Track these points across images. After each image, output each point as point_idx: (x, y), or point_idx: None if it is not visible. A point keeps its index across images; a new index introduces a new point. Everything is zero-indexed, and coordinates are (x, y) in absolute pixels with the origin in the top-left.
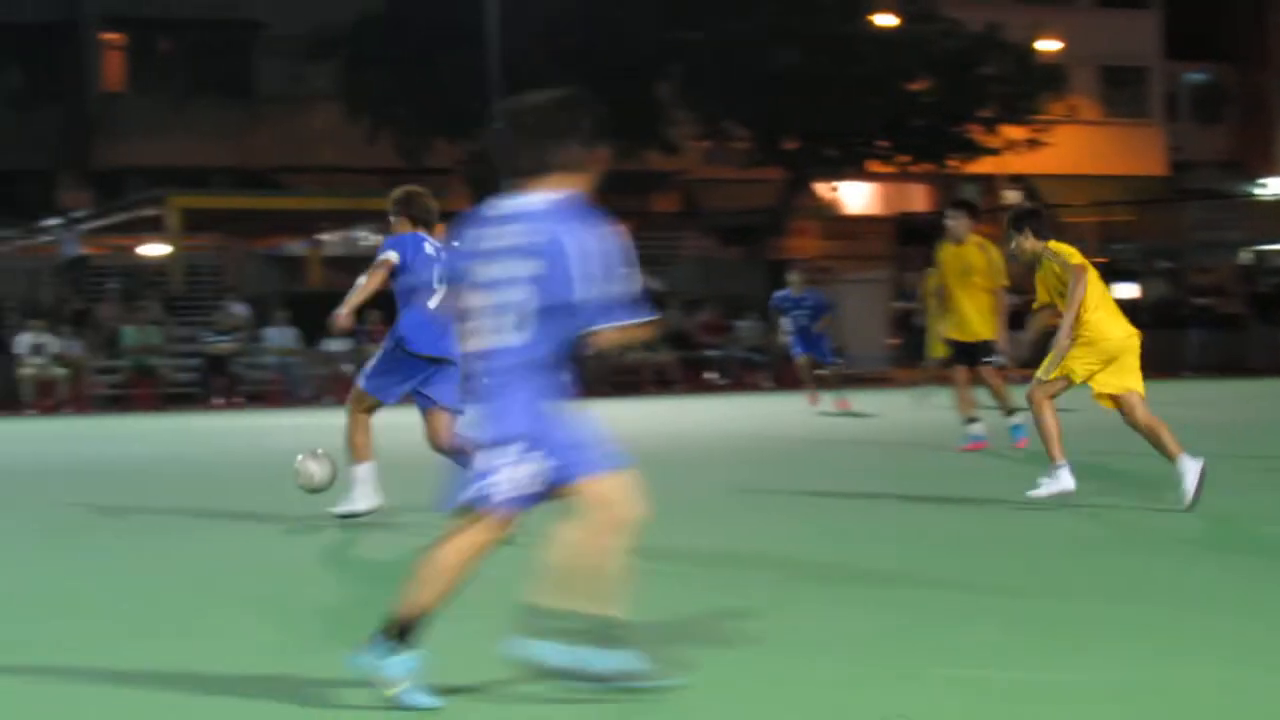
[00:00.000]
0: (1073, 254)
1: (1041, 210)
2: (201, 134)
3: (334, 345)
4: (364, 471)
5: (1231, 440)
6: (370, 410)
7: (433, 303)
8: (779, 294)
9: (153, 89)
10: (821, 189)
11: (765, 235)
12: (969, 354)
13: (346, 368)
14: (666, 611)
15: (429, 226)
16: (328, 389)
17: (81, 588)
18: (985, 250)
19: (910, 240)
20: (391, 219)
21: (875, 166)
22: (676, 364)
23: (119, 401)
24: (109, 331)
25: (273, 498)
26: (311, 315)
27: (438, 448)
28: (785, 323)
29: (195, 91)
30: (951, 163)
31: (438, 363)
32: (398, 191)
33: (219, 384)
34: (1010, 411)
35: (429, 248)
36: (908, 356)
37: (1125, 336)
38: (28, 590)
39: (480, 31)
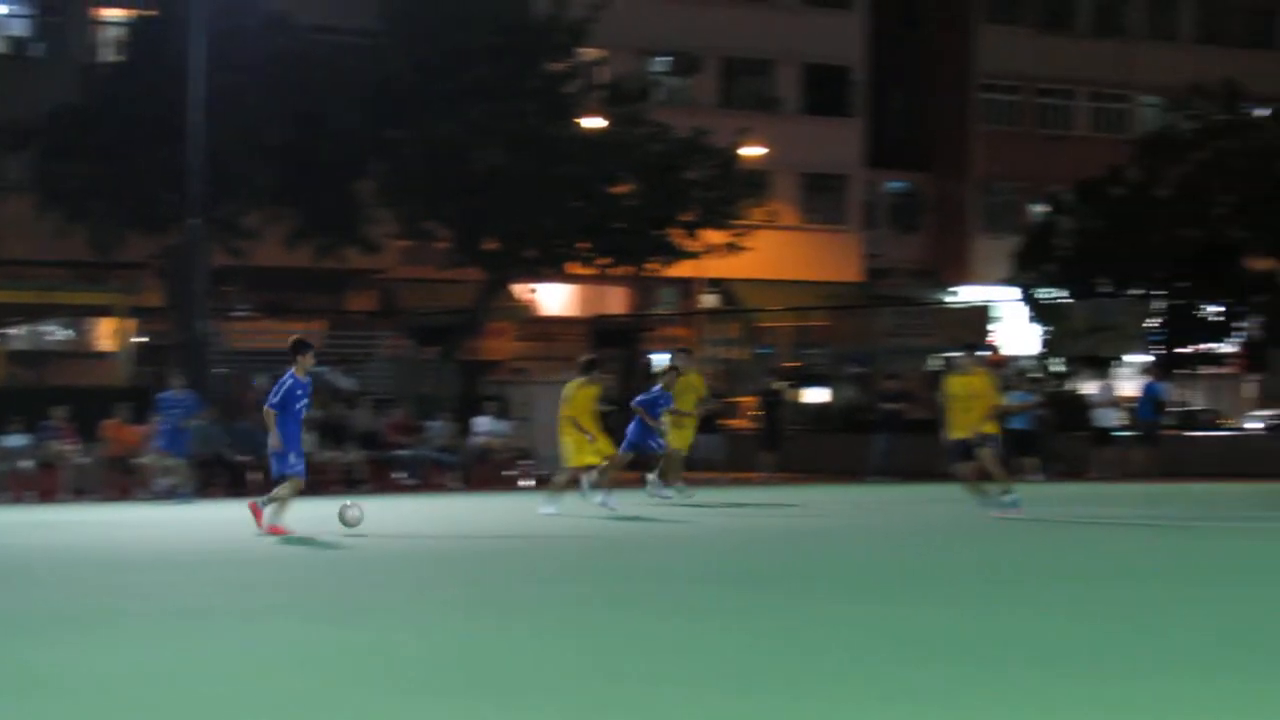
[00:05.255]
0: None
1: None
2: None
3: (12, 441)
4: None
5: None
6: None
7: None
8: (161, 394)
9: None
10: (520, 290)
11: (462, 336)
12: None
13: (24, 464)
14: None
15: None
16: (5, 485)
17: None
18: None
19: (606, 343)
20: None
21: (574, 268)
22: (365, 463)
23: None
24: None
25: None
26: None
27: None
28: (159, 420)
29: None
30: (650, 266)
31: None
32: None
33: None
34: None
35: None
36: None
37: None
38: None
39: (181, 125)
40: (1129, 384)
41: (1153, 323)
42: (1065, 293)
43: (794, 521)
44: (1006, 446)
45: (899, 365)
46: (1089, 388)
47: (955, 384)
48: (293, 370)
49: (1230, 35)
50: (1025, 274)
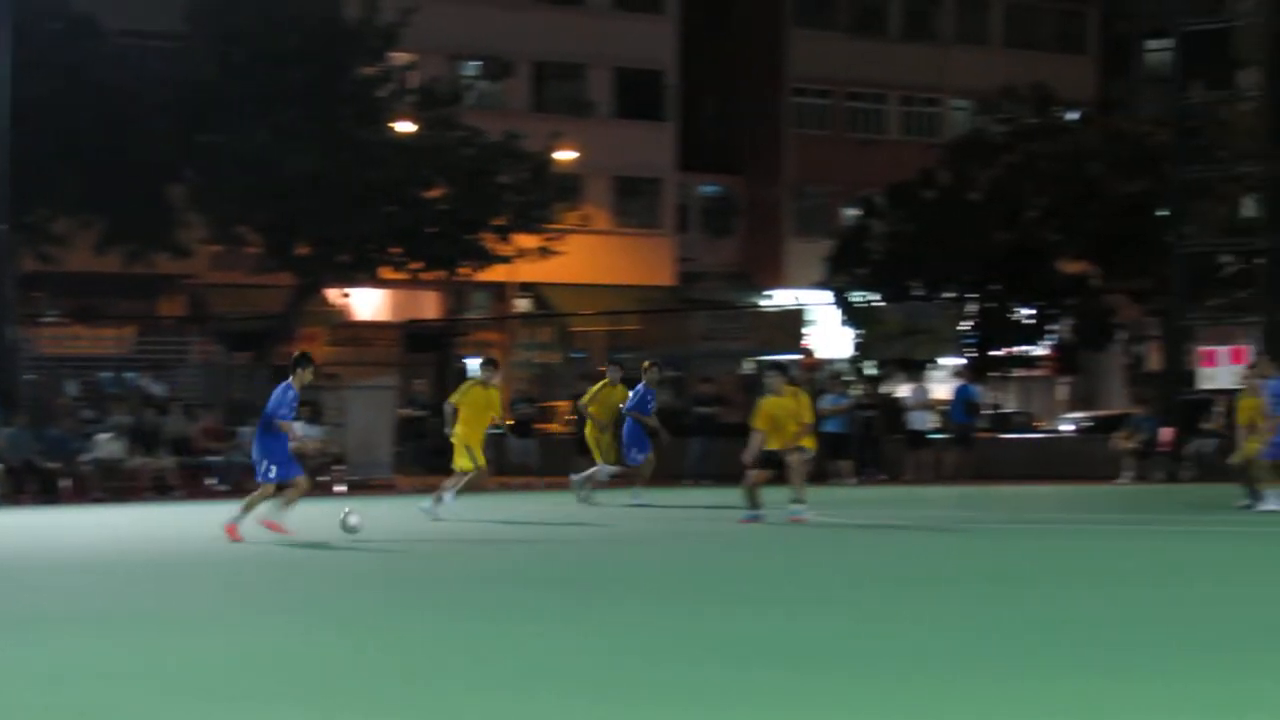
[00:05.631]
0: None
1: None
2: None
3: None
4: None
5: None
6: None
7: None
8: None
9: None
10: (332, 295)
11: (273, 341)
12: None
13: None
14: None
15: None
16: None
17: None
18: (796, 397)
19: (419, 347)
20: None
21: (387, 273)
22: (177, 469)
23: None
24: None
25: None
26: None
27: None
28: None
29: None
30: (463, 270)
31: None
32: None
33: None
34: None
35: None
36: (412, 462)
37: None
38: None
39: None
40: (942, 387)
41: (965, 325)
42: (878, 296)
43: (609, 526)
44: (820, 450)
45: (713, 369)
46: (902, 390)
47: (769, 405)
48: (290, 381)
49: (1040, 39)
50: (838, 277)
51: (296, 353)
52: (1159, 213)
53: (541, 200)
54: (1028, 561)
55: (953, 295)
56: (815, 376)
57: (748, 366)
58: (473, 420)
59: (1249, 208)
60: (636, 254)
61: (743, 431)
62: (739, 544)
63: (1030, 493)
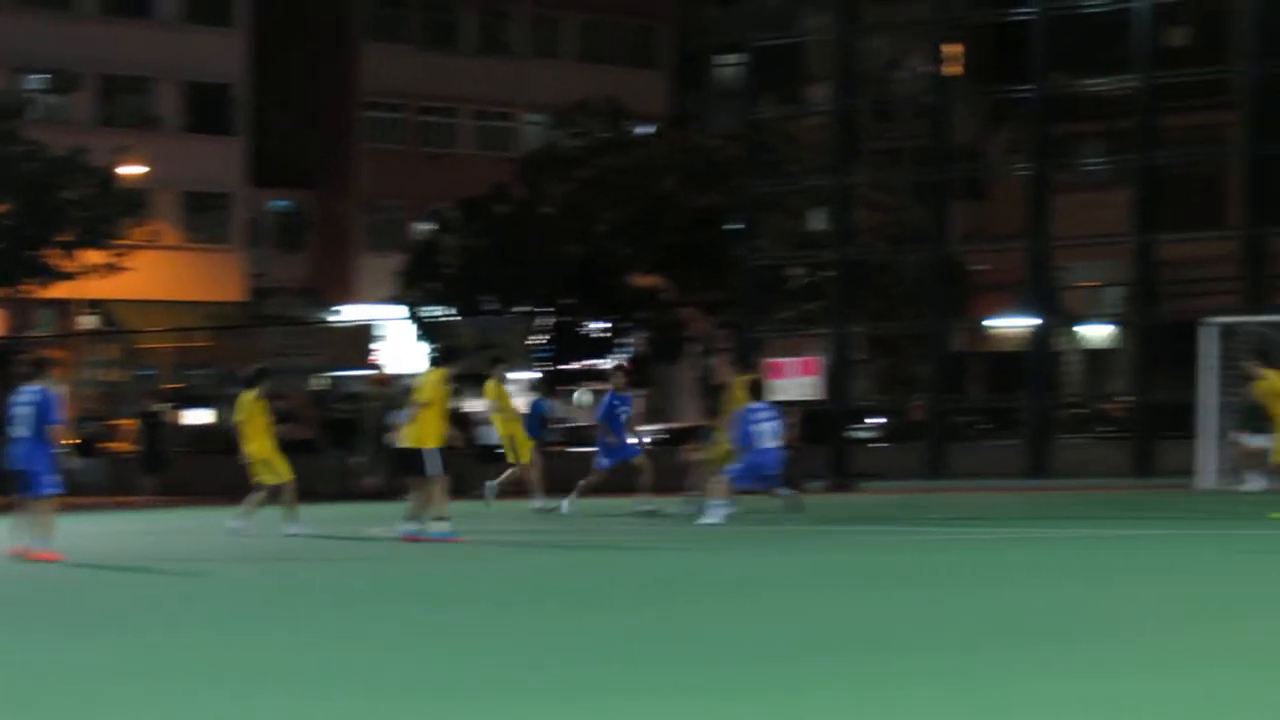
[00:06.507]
0: None
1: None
2: None
3: None
4: None
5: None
6: None
7: None
8: None
9: None
10: None
11: None
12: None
13: None
14: None
15: None
16: None
17: None
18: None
19: None
20: None
21: None
22: None
23: None
24: None
25: None
26: None
27: None
28: None
29: None
30: (25, 287)
31: None
32: None
33: None
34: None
35: None
36: None
37: None
38: None
39: None
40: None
41: (538, 339)
42: (451, 310)
43: (166, 546)
44: (392, 464)
45: (284, 385)
46: (475, 405)
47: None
48: (47, 386)
49: (613, 54)
50: (410, 292)
51: (36, 357)
52: (730, 226)
53: (108, 216)
54: (562, 575)
55: (525, 309)
56: (387, 393)
57: (318, 383)
58: (263, 434)
59: (818, 220)
60: (206, 269)
61: (310, 447)
62: (297, 563)
63: (602, 505)
